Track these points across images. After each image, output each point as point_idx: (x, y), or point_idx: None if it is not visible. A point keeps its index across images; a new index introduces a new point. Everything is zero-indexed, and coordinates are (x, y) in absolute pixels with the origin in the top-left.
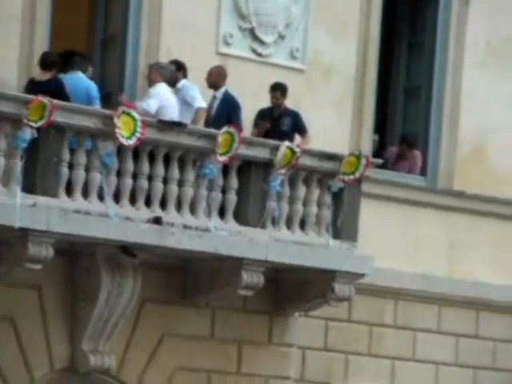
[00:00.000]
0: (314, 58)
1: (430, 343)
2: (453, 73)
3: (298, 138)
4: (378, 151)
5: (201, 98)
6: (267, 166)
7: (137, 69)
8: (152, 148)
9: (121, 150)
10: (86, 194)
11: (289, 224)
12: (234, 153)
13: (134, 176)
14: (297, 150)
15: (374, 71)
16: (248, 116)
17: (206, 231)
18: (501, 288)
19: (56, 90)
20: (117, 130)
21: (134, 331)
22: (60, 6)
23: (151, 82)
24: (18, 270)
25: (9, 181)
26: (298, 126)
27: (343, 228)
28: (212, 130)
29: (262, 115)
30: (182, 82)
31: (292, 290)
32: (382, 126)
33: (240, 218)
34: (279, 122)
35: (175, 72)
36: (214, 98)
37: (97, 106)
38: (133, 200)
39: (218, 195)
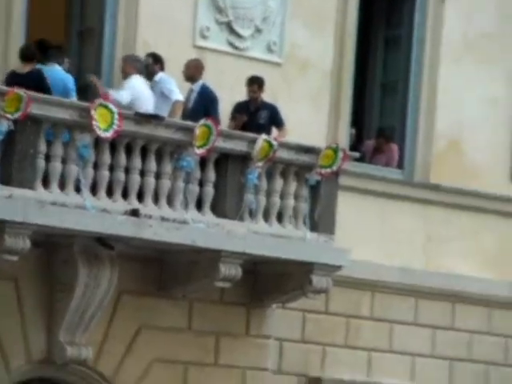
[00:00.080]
0: (291, 52)
1: (407, 335)
2: (429, 67)
3: (274, 131)
4: (355, 144)
5: (178, 90)
6: (244, 159)
7: (113, 61)
8: (129, 140)
9: (98, 142)
10: (62, 185)
11: (266, 217)
12: (212, 145)
13: (111, 168)
14: (274, 143)
15: (351, 65)
16: (225, 109)
17: (183, 223)
18: (476, 280)
19: (38, 82)
20: (94, 123)
21: (111, 323)
22: None
23: (126, 75)
24: None
25: None
26: (274, 119)
27: (320, 221)
28: (189, 123)
29: (239, 108)
30: (160, 75)
31: (270, 282)
32: (358, 119)
33: (217, 210)
34: (256, 115)
35: (152, 65)
36: (191, 90)
37: (73, 99)
38: (110, 192)
39: (195, 188)
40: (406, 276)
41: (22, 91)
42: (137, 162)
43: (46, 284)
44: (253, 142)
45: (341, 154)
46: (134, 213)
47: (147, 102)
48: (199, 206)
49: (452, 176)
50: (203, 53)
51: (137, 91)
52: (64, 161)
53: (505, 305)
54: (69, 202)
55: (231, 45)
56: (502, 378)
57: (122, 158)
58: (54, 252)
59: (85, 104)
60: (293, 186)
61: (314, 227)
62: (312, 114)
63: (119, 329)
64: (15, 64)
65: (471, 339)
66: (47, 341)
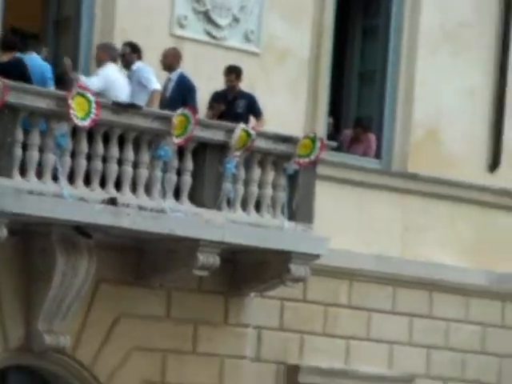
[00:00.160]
0: (269, 41)
1: (384, 323)
2: (407, 57)
3: (252, 121)
4: (333, 134)
5: (156, 80)
6: (222, 148)
7: (91, 50)
8: (106, 129)
9: (75, 131)
10: (40, 174)
11: (244, 206)
12: (190, 135)
13: (89, 157)
14: (252, 132)
15: (329, 54)
16: (203, 98)
17: (161, 212)
18: (454, 269)
19: (19, 71)
20: (71, 111)
21: (89, 311)
22: None
23: (100, 63)
24: None
25: None
26: (252, 109)
27: (298, 210)
28: (167, 112)
29: (217, 97)
30: (137, 64)
31: (248, 270)
32: (336, 109)
33: (195, 199)
34: (234, 104)
35: (130, 54)
36: (169, 80)
37: (51, 87)
38: (87, 181)
39: (173, 177)
40: (383, 265)
41: None
42: (114, 150)
43: (24, 273)
44: (231, 131)
45: (318, 144)
46: (112, 202)
47: (122, 90)
48: (177, 195)
49: (429, 165)
50: (181, 42)
51: (110, 79)
52: (41, 150)
53: (482, 293)
54: (46, 191)
55: (209, 34)
56: (478, 366)
57: (100, 147)
58: (32, 240)
59: (62, 93)
60: (271, 175)
61: (291, 216)
62: (290, 104)
63: (97, 317)
64: None
65: (448, 327)
66: (25, 329)
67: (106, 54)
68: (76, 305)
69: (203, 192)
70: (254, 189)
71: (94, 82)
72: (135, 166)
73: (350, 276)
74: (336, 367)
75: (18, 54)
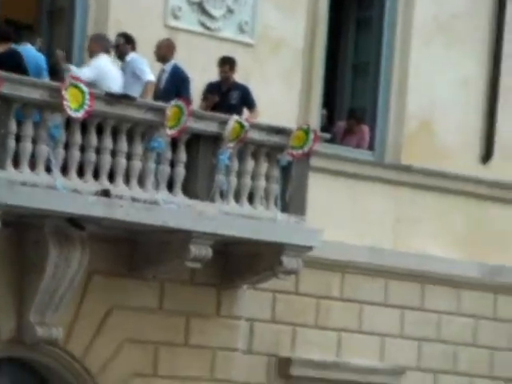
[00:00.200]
0: (263, 32)
1: (376, 315)
2: (400, 49)
3: (246, 112)
4: (327, 126)
5: (150, 71)
6: (216, 140)
7: (85, 41)
8: (100, 121)
9: (69, 122)
10: (33, 166)
11: (237, 197)
12: (183, 126)
13: (82, 149)
14: (245, 123)
15: (323, 46)
16: (197, 89)
17: (154, 204)
18: (445, 261)
19: (15, 62)
20: (65, 103)
21: (82, 303)
22: None
23: (92, 54)
24: None
25: None
26: (246, 100)
27: (291, 202)
28: (161, 103)
29: (211, 89)
30: (131, 55)
31: (240, 262)
32: (330, 100)
33: (189, 191)
34: (228, 95)
35: (124, 45)
36: (163, 71)
37: (46, 79)
38: (81, 172)
39: (166, 168)
40: (375, 257)
41: None
42: (108, 142)
43: (16, 264)
44: (224, 122)
45: (312, 135)
46: (105, 193)
47: (114, 81)
48: (170, 186)
49: (423, 157)
50: (175, 33)
51: (103, 70)
52: (34, 141)
53: (474, 285)
54: (39, 182)
55: (203, 25)
56: (470, 358)
57: (93, 139)
58: (25, 232)
59: (56, 84)
60: (264, 166)
61: (284, 208)
62: (283, 95)
63: (90, 309)
64: None
65: (440, 319)
66: (17, 321)
67: (99, 45)
68: (68, 297)
69: (196, 184)
70: (247, 180)
71: (85, 72)
72: (129, 157)
73: (342, 268)
74: (328, 360)
75: (12, 45)
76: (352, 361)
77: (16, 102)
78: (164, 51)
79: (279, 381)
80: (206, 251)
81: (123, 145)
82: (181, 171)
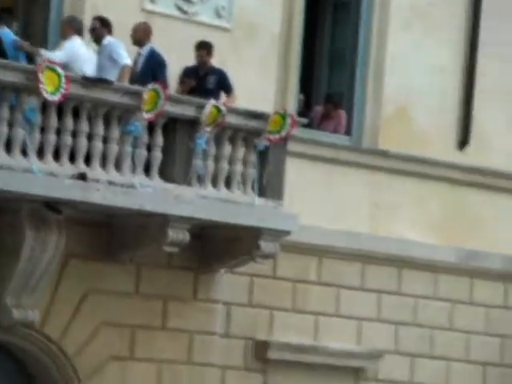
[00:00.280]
0: (240, 17)
1: (353, 299)
2: (378, 34)
3: (223, 97)
4: (304, 110)
5: (126, 54)
6: (193, 124)
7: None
8: (76, 104)
9: (45, 105)
10: (9, 149)
11: (214, 182)
12: (160, 110)
13: (58, 132)
14: (222, 108)
15: (300, 31)
16: (173, 73)
17: (131, 188)
18: (422, 246)
19: None
20: (41, 86)
21: (58, 287)
22: None
23: (64, 36)
24: None
25: None
26: (223, 85)
27: (269, 186)
28: (137, 87)
29: (188, 73)
30: (108, 39)
31: (218, 246)
32: (307, 85)
33: (166, 175)
34: (205, 79)
35: (100, 28)
36: (139, 54)
37: (22, 62)
38: (57, 156)
39: (143, 152)
40: (352, 241)
41: None
42: (84, 125)
43: None
44: (201, 106)
45: (289, 120)
46: (82, 177)
47: (87, 64)
48: (147, 170)
49: (400, 142)
50: (151, 17)
51: (76, 53)
52: (10, 124)
53: (450, 270)
54: (15, 166)
55: (180, 9)
56: (447, 342)
57: (69, 122)
58: (1, 216)
59: (32, 67)
60: (241, 151)
61: (262, 192)
62: (260, 80)
63: (66, 292)
64: None
65: (417, 304)
66: None
67: (71, 27)
68: (45, 280)
69: (173, 168)
70: (225, 165)
71: (57, 55)
72: (105, 141)
73: (319, 252)
74: (305, 343)
75: None
76: (329, 344)
77: None
78: (140, 35)
79: (256, 364)
80: (184, 235)
81: (100, 128)
82: (158, 155)
